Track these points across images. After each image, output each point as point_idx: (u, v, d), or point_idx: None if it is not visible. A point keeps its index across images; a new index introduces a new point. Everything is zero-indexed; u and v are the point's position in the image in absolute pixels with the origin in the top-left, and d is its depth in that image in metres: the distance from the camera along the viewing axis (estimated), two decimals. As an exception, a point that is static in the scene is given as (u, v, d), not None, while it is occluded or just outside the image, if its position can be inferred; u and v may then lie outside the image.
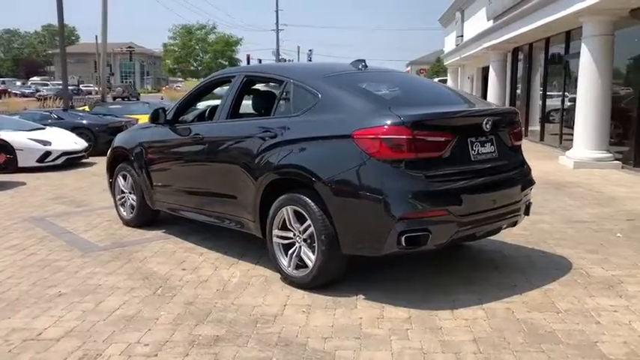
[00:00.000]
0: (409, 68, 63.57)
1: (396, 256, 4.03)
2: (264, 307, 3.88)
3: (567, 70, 13.59)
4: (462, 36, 25.56)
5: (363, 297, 4.01)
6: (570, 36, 13.14)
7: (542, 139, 15.17)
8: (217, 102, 6.67)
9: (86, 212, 7.00)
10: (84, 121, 13.83)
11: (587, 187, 8.40)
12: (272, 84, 5.40)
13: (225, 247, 5.25)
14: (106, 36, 24.66)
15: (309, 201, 4.03)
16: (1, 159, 10.50)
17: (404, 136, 3.73)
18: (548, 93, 15.28)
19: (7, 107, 24.34)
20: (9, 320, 3.68)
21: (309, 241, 4.12)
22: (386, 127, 3.75)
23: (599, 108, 10.38)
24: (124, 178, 6.16)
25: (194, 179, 5.25)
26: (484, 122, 4.09)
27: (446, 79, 32.47)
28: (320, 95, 4.24)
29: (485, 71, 22.23)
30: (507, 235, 5.26)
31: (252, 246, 5.12)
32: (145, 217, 6.10)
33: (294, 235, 4.22)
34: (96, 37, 41.26)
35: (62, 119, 13.80)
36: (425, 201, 3.76)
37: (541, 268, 4.63)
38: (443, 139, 3.88)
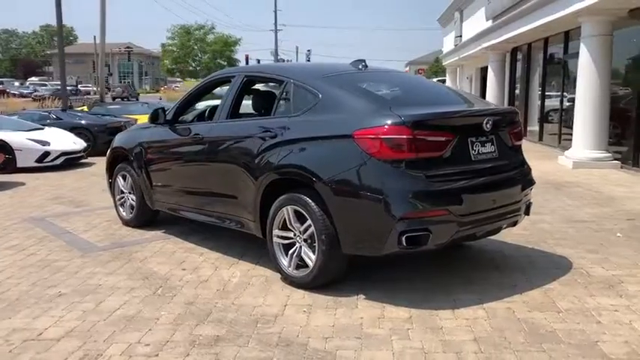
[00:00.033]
0: (408, 68, 63.60)
1: (396, 255, 4.03)
2: (265, 307, 3.87)
3: (566, 70, 13.60)
4: (461, 36, 25.58)
5: (364, 297, 4.01)
6: (569, 36, 13.16)
7: (540, 139, 15.18)
8: (216, 102, 6.69)
9: (85, 212, 6.99)
10: (83, 122, 13.82)
11: (587, 187, 8.41)
12: (272, 84, 5.40)
13: (225, 247, 5.24)
14: (105, 36, 24.65)
15: (310, 201, 4.02)
16: (0, 159, 10.47)
17: (404, 136, 3.72)
18: (547, 93, 15.29)
19: (5, 107, 24.35)
20: (9, 320, 3.67)
21: (309, 241, 4.12)
22: (386, 127, 3.75)
23: (598, 108, 10.39)
24: (124, 178, 6.16)
25: (194, 179, 5.25)
26: (484, 122, 4.09)
27: (444, 79, 32.50)
28: (320, 95, 4.24)
29: (483, 71, 22.24)
30: (507, 235, 5.26)
31: (252, 246, 5.12)
32: (145, 218, 6.09)
33: (295, 235, 4.22)
34: (94, 37, 41.24)
35: (61, 119, 13.79)
36: (425, 201, 3.76)
37: (541, 268, 4.63)
38: (443, 138, 3.88)
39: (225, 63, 69.86)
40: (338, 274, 4.16)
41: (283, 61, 53.35)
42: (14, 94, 43.76)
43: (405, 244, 3.71)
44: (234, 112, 5.03)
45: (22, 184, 9.22)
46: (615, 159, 10.44)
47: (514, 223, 4.48)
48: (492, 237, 4.78)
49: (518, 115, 4.71)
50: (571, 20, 11.08)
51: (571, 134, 11.37)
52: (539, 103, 15.70)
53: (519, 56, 17.96)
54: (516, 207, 4.34)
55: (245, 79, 5.05)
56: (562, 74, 13.84)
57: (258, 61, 46.53)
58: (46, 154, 10.87)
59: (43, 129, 12.02)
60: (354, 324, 3.58)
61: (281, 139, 4.30)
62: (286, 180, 4.27)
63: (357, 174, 3.82)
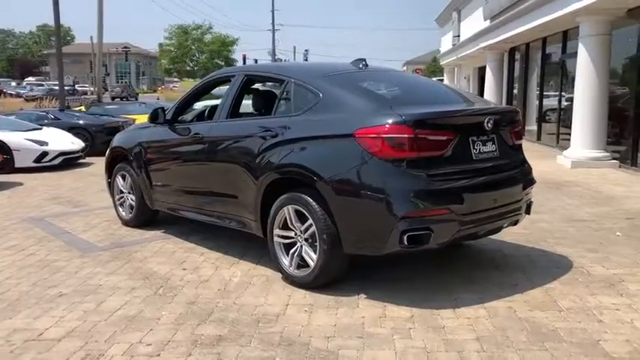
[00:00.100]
0: (405, 68, 63.60)
1: (397, 255, 4.02)
2: (266, 306, 3.87)
3: (564, 69, 13.63)
4: (459, 36, 25.59)
5: (365, 296, 4.01)
6: (567, 36, 13.18)
7: (539, 138, 15.21)
8: (215, 102, 6.68)
9: (84, 212, 6.97)
10: (80, 122, 13.80)
11: (586, 186, 8.43)
12: (272, 83, 5.39)
13: (225, 247, 5.23)
14: (102, 36, 24.62)
15: (311, 200, 4.02)
16: (-2, 159, 10.45)
17: (405, 135, 3.72)
18: (545, 93, 15.32)
19: (2, 107, 24.25)
20: (10, 321, 3.66)
21: (310, 240, 4.11)
22: (387, 126, 3.75)
23: (596, 107, 10.41)
24: (123, 178, 6.15)
25: (194, 179, 5.24)
26: (485, 121, 4.09)
27: (442, 79, 32.51)
28: (321, 94, 4.23)
29: (481, 71, 22.26)
30: (507, 234, 5.26)
31: (252, 246, 5.11)
32: (144, 217, 6.08)
33: (296, 234, 4.22)
34: (91, 37, 41.10)
35: (59, 119, 13.76)
36: (427, 200, 3.75)
37: (542, 267, 4.63)
38: (444, 138, 3.88)
39: (223, 63, 69.76)
40: (339, 274, 4.16)
41: (281, 60, 53.35)
42: (11, 94, 43.63)
43: (406, 243, 3.71)
44: (234, 112, 5.02)
45: (20, 184, 9.20)
46: (614, 158, 10.45)
47: (515, 222, 4.48)
48: (492, 236, 4.78)
49: (519, 114, 4.71)
50: (569, 20, 11.10)
51: (569, 134, 11.39)
52: (537, 102, 15.73)
53: (517, 56, 17.98)
54: (517, 206, 4.34)
55: (245, 78, 5.05)
56: (560, 74, 13.86)
57: (256, 60, 46.48)
58: (44, 154, 10.85)
59: (41, 129, 12.00)
60: (356, 323, 3.58)
61: (282, 138, 4.29)
62: (287, 179, 4.26)
63: (358, 173, 3.82)
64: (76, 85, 55.81)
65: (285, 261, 4.29)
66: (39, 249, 5.33)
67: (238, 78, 5.05)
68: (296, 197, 4.15)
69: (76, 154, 11.55)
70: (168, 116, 5.53)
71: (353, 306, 3.85)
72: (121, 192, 6.22)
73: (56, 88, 44.09)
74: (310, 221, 4.05)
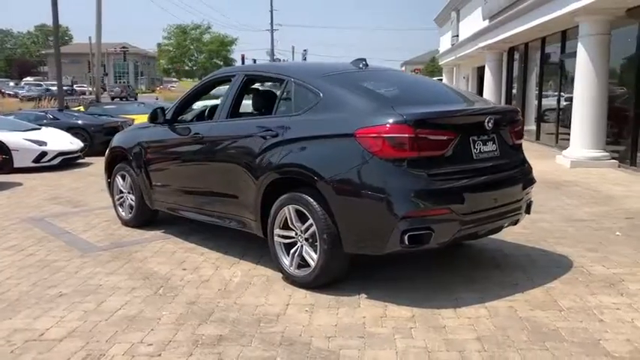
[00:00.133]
0: (404, 68, 63.67)
1: (398, 254, 4.02)
2: (267, 306, 3.87)
3: (563, 69, 13.64)
4: (458, 36, 25.59)
5: (366, 296, 4.00)
6: (566, 35, 13.19)
7: (538, 138, 15.22)
8: (213, 102, 6.67)
9: (84, 212, 6.96)
10: (79, 122, 13.79)
11: (585, 186, 8.43)
12: (272, 83, 5.39)
13: (225, 247, 5.23)
14: (100, 36, 24.59)
15: (311, 200, 4.02)
16: (-3, 160, 10.44)
17: (406, 135, 3.72)
18: (544, 92, 15.33)
19: (1, 108, 24.22)
20: (10, 321, 3.66)
21: (311, 240, 4.11)
22: (388, 125, 3.75)
23: (595, 107, 10.42)
24: (123, 178, 6.14)
25: (194, 179, 5.23)
26: (486, 121, 4.09)
27: (441, 79, 32.53)
28: (322, 94, 4.23)
29: (480, 71, 22.28)
30: (507, 234, 5.26)
31: (252, 245, 5.11)
32: (144, 217, 6.08)
33: (296, 234, 4.21)
34: (89, 37, 41.05)
35: (57, 119, 13.75)
36: (427, 199, 3.75)
37: (542, 267, 4.63)
38: (445, 137, 3.87)
39: (222, 63, 69.78)
40: (340, 274, 4.16)
41: (279, 60, 53.36)
42: (9, 94, 43.56)
43: (407, 242, 3.71)
44: (234, 112, 5.02)
45: (20, 184, 9.18)
46: (613, 158, 10.46)
47: (515, 222, 4.48)
48: (493, 235, 4.77)
49: (519, 114, 4.72)
50: (568, 20, 11.11)
51: (568, 134, 11.40)
52: (536, 102, 15.74)
53: (516, 56, 17.99)
54: (517, 206, 4.34)
55: (245, 78, 5.04)
56: (559, 74, 13.87)
57: (254, 60, 46.48)
58: (43, 154, 10.84)
59: (39, 129, 11.98)
60: (357, 323, 3.58)
61: (282, 138, 4.29)
62: (287, 179, 4.26)
63: (359, 173, 3.82)
64: (75, 85, 55.76)
65: (285, 261, 4.29)
66: (39, 249, 5.32)
67: (238, 78, 5.04)
68: (296, 197, 4.15)
69: (75, 154, 11.54)
70: (168, 116, 5.53)
71: (354, 306, 3.85)
72: (121, 192, 6.22)
73: (52, 88, 44.17)
74: (311, 221, 4.05)
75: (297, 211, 4.16)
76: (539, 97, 15.46)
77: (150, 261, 4.92)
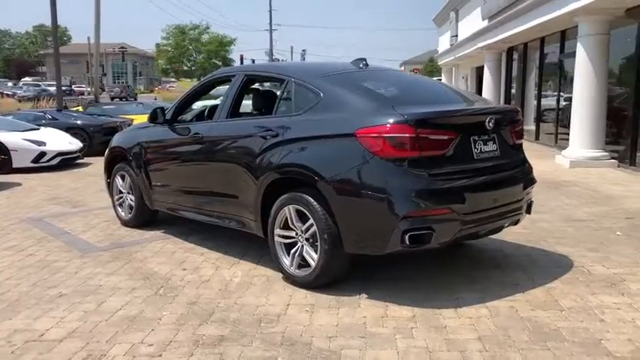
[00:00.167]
0: (402, 68, 63.67)
1: (398, 254, 4.02)
2: (268, 306, 3.86)
3: (562, 69, 13.64)
4: (457, 36, 25.61)
5: (366, 296, 4.00)
6: (565, 35, 13.20)
7: (537, 138, 15.23)
8: (212, 102, 6.66)
9: (83, 213, 6.95)
10: (78, 122, 13.78)
11: (584, 185, 8.43)
12: (272, 83, 5.38)
13: (225, 247, 5.22)
14: (99, 36, 24.56)
15: (312, 200, 4.01)
16: (-4, 160, 10.42)
17: (407, 135, 3.72)
18: (543, 92, 15.33)
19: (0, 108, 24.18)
20: (10, 321, 3.65)
21: (311, 240, 4.10)
22: (389, 125, 3.74)
23: (594, 107, 10.42)
24: (122, 178, 6.13)
25: (194, 179, 5.22)
26: (487, 120, 4.09)
27: (440, 79, 32.54)
28: (322, 94, 4.22)
29: (479, 71, 22.29)
30: (507, 234, 5.26)
31: (252, 246, 5.10)
32: (144, 218, 6.07)
33: (297, 234, 4.21)
34: (88, 37, 41.05)
35: (56, 120, 13.74)
36: (428, 199, 3.75)
37: (542, 267, 4.63)
38: (446, 137, 3.87)
39: (220, 63, 69.74)
40: (340, 274, 4.15)
41: (278, 60, 53.34)
42: (7, 95, 43.49)
43: (408, 242, 3.71)
44: (234, 112, 5.01)
45: (19, 184, 9.17)
46: (612, 158, 10.47)
47: (516, 222, 4.47)
48: (493, 235, 4.77)
49: (520, 114, 4.72)
50: (567, 20, 11.11)
51: (567, 133, 11.40)
52: (535, 102, 15.75)
53: (515, 56, 18.00)
54: (518, 205, 4.34)
55: (245, 78, 5.03)
56: (558, 74, 13.88)
57: (253, 61, 46.52)
58: (42, 154, 10.82)
59: (38, 129, 11.97)
60: (358, 323, 3.57)
61: (282, 138, 4.28)
62: (288, 179, 4.25)
63: (359, 173, 3.81)
64: (73, 86, 55.68)
65: (286, 261, 4.28)
66: (38, 249, 5.31)
67: (238, 78, 5.03)
68: (297, 197, 4.14)
69: (74, 155, 11.52)
70: (168, 116, 5.52)
71: (354, 306, 3.85)
72: (120, 192, 6.20)
73: (49, 88, 44.15)
74: (311, 221, 4.04)
75: (298, 211, 4.15)
76: (539, 97, 15.47)
77: (150, 261, 4.91)
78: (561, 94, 13.71)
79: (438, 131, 3.85)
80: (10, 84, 59.48)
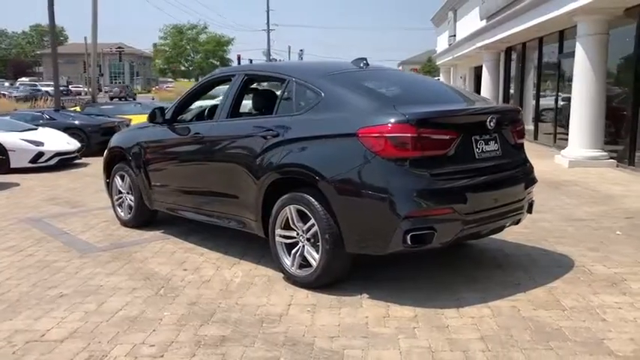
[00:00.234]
0: (401, 68, 63.68)
1: (399, 254, 4.01)
2: (269, 306, 3.85)
3: (560, 69, 13.66)
4: (455, 35, 25.64)
5: (368, 296, 3.99)
6: (564, 35, 13.21)
7: (536, 138, 15.24)
8: (210, 102, 6.64)
9: (82, 213, 6.93)
10: (76, 122, 13.75)
11: (584, 185, 8.44)
12: (273, 83, 5.37)
13: (225, 247, 5.21)
14: (96, 36, 24.52)
15: (313, 200, 4.00)
16: (-6, 160, 10.39)
17: (409, 134, 3.71)
18: (541, 92, 15.35)
19: (-4, 108, 24.11)
20: (11, 322, 3.63)
21: (312, 240, 4.09)
22: (390, 125, 3.74)
23: (593, 107, 10.43)
24: (122, 178, 6.11)
25: (194, 179, 5.21)
26: (488, 120, 4.08)
27: (438, 79, 32.56)
28: (323, 94, 4.21)
29: (477, 71, 22.31)
30: (508, 233, 5.25)
31: (253, 246, 5.09)
32: (143, 218, 6.05)
33: (298, 234, 4.20)
34: (85, 37, 41.00)
35: (54, 120, 13.71)
36: (430, 199, 3.74)
37: (543, 266, 4.63)
38: (448, 137, 3.87)
39: (218, 63, 69.74)
40: (341, 274, 4.14)
41: (276, 60, 53.31)
42: (4, 95, 43.38)
43: (409, 242, 3.70)
44: (234, 111, 5.00)
45: (17, 184, 9.14)
46: (611, 158, 10.48)
47: (517, 222, 4.47)
48: (493, 235, 4.76)
49: (521, 113, 4.72)
50: (566, 20, 11.13)
51: (566, 133, 11.41)
52: (533, 102, 15.76)
53: (514, 56, 18.02)
54: (519, 205, 4.33)
55: (245, 77, 5.02)
56: (557, 73, 13.89)
57: (251, 60, 46.45)
58: (40, 154, 10.78)
59: (36, 129, 11.94)
60: (360, 323, 3.56)
61: (283, 138, 4.27)
62: (289, 179, 4.24)
63: (361, 173, 3.80)
64: (70, 86, 55.58)
65: (287, 261, 4.27)
66: (38, 250, 5.29)
67: (239, 78, 5.02)
68: (298, 197, 4.13)
69: (72, 155, 11.49)
70: (168, 116, 5.50)
71: (356, 306, 3.84)
72: (120, 192, 6.18)
73: (42, 89, 44.06)
74: (312, 221, 4.03)
75: (299, 211, 4.14)
76: (537, 97, 15.48)
77: (150, 261, 4.89)
78: (560, 94, 13.73)
79: (439, 131, 3.84)
80: (6, 84, 59.33)
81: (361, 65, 4.79)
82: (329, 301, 3.92)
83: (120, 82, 68.58)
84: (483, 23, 18.32)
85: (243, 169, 4.55)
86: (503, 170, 4.26)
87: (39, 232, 5.99)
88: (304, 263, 4.17)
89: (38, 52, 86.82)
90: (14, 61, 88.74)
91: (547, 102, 14.90)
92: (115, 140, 6.41)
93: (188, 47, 73.45)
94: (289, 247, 4.27)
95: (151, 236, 5.74)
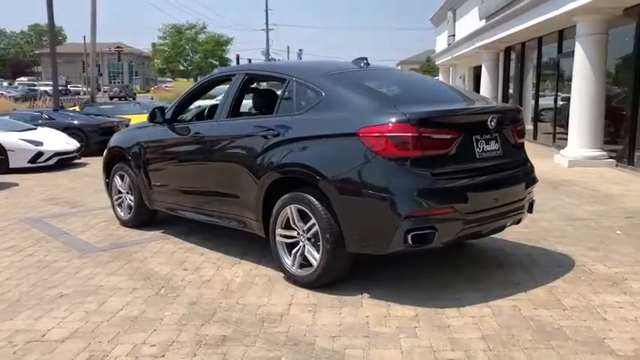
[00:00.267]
0: (399, 68, 63.72)
1: (400, 254, 4.00)
2: (270, 306, 3.85)
3: (560, 69, 13.66)
4: (454, 35, 25.64)
5: (369, 295, 3.99)
6: (563, 35, 13.21)
7: (535, 137, 15.24)
8: (209, 102, 6.62)
9: (82, 213, 6.92)
10: (75, 122, 13.73)
11: (583, 185, 8.45)
12: (273, 82, 5.37)
13: (225, 247, 5.21)
14: (95, 36, 24.49)
15: (314, 200, 4.00)
16: (-7, 160, 10.38)
17: (410, 134, 3.71)
18: (540, 92, 15.35)
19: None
20: (11, 322, 3.63)
21: (313, 240, 4.09)
22: (391, 124, 3.73)
23: (593, 107, 10.43)
24: (122, 178, 6.10)
25: (194, 178, 5.20)
26: (489, 120, 4.08)
27: (437, 79, 32.56)
28: (324, 93, 4.21)
29: (477, 70, 22.32)
30: (508, 233, 5.25)
31: (253, 245, 5.09)
32: (143, 218, 6.04)
33: (298, 234, 4.19)
34: (84, 37, 41.02)
35: (53, 119, 13.69)
36: (431, 199, 3.74)
37: (543, 266, 4.63)
38: (448, 136, 3.86)
39: (217, 63, 69.73)
40: (342, 273, 4.14)
41: (274, 60, 53.30)
42: (2, 94, 43.32)
43: (410, 242, 3.70)
44: (235, 111, 4.99)
45: (16, 184, 9.12)
46: (610, 157, 10.49)
47: (518, 221, 4.47)
48: (493, 235, 4.76)
49: (521, 113, 4.72)
50: (565, 19, 11.13)
51: (565, 133, 11.41)
52: (533, 102, 15.77)
53: (513, 55, 18.02)
54: (520, 205, 4.33)
55: (246, 77, 5.01)
56: (556, 73, 13.90)
57: (249, 60, 46.44)
58: (39, 154, 10.77)
59: (35, 129, 11.92)
60: (361, 323, 3.56)
61: (284, 137, 4.27)
62: (289, 179, 4.24)
63: (362, 172, 3.80)
64: (69, 85, 55.52)
65: (287, 261, 4.27)
66: (37, 250, 5.29)
67: (239, 77, 5.01)
68: (298, 197, 4.13)
69: (71, 155, 11.47)
70: (168, 116, 5.49)
71: (357, 305, 3.84)
72: (119, 192, 6.17)
73: (40, 88, 44.01)
74: (313, 221, 4.03)
75: (300, 211, 4.14)
76: (536, 97, 15.48)
77: (150, 261, 4.89)
78: (559, 93, 13.73)
79: (440, 130, 3.84)
80: (5, 84, 59.24)
81: (362, 65, 4.79)
82: (330, 300, 3.92)
83: (119, 82, 68.55)
84: (482, 23, 18.32)
85: (243, 168, 4.54)
86: (503, 170, 4.26)
87: (38, 232, 5.98)
88: (305, 263, 4.17)
89: (37, 52, 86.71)
90: (13, 61, 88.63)
91: (546, 102, 14.90)
92: (114, 140, 6.40)
93: (187, 47, 73.43)
94: (290, 247, 4.27)
95: (150, 236, 5.73)
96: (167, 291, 4.16)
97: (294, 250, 4.23)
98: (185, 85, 43.47)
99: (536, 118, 15.44)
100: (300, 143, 4.17)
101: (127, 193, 6.06)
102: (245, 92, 5.24)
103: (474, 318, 3.61)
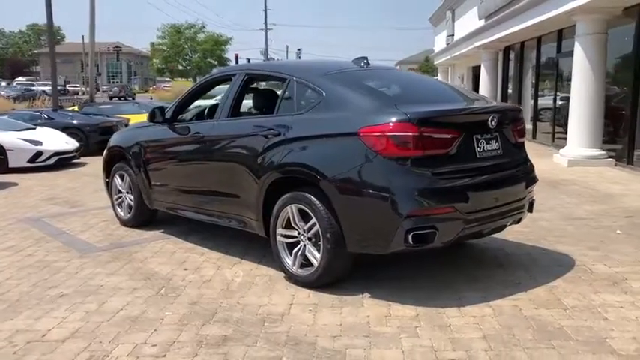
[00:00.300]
0: (398, 67, 63.71)
1: (401, 253, 4.00)
2: (270, 306, 3.84)
3: (559, 68, 13.67)
4: (453, 35, 25.64)
5: (369, 295, 3.99)
6: (562, 35, 13.22)
7: (534, 137, 15.25)
8: (208, 102, 6.61)
9: (81, 213, 6.91)
10: (74, 121, 13.72)
11: (583, 184, 8.45)
12: (273, 82, 5.36)
13: (226, 247, 5.20)
14: (94, 36, 24.46)
15: (314, 199, 4.00)
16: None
17: (410, 134, 3.71)
18: (539, 92, 15.36)
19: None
20: (12, 322, 3.62)
21: (313, 239, 4.09)
22: (392, 124, 3.73)
23: (592, 106, 10.44)
24: (121, 177, 6.09)
25: (194, 178, 5.20)
26: (489, 119, 4.08)
27: (437, 79, 32.56)
28: (324, 93, 4.21)
29: (476, 70, 22.31)
30: (508, 233, 5.25)
31: (253, 245, 5.08)
32: (143, 217, 6.04)
33: (299, 233, 4.19)
34: (82, 37, 40.91)
35: (52, 119, 13.69)
36: (431, 198, 3.74)
37: (544, 266, 4.63)
38: (449, 136, 3.86)
39: (216, 62, 69.66)
40: (343, 273, 4.14)
41: (273, 60, 53.24)
42: (0, 94, 43.25)
43: (411, 242, 3.70)
44: (235, 111, 4.98)
45: (15, 184, 9.12)
46: (610, 157, 10.49)
47: (518, 221, 4.47)
48: (493, 234, 4.76)
49: (522, 113, 4.72)
50: (564, 19, 11.13)
51: (564, 133, 11.42)
52: (532, 101, 15.77)
53: (512, 55, 18.03)
54: (520, 204, 4.34)
55: (246, 77, 5.00)
56: (555, 73, 13.91)
57: (248, 60, 46.37)
58: (39, 154, 10.76)
59: (35, 129, 11.91)
60: (361, 322, 3.56)
61: (284, 137, 4.27)
62: (290, 179, 4.24)
63: (362, 172, 3.80)
64: (67, 85, 55.43)
65: (288, 260, 4.27)
66: (37, 249, 5.28)
67: (239, 77, 5.00)
68: (299, 196, 4.13)
69: (71, 154, 11.46)
70: (168, 115, 5.49)
71: (357, 305, 3.83)
72: (119, 192, 6.17)
73: (33, 88, 43.93)
74: (314, 220, 4.03)
75: (300, 211, 4.14)
76: (535, 97, 15.49)
77: (150, 261, 4.88)
78: (558, 93, 13.74)
79: (441, 130, 3.84)
80: (3, 83, 59.14)
81: (362, 64, 4.78)
82: (330, 300, 3.92)
83: (117, 82, 68.46)
84: (482, 23, 18.32)
85: (243, 168, 4.54)
86: (504, 169, 4.26)
87: (38, 231, 5.98)
88: (305, 262, 4.16)
89: (35, 52, 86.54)
90: (11, 61, 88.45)
91: (545, 101, 14.91)
92: (114, 140, 6.39)
93: (186, 47, 73.22)
94: (290, 247, 4.27)
95: (150, 236, 5.73)
96: (167, 291, 4.16)
97: (294, 250, 4.23)
98: (184, 85, 43.42)
99: (536, 118, 15.45)
100: (301, 143, 4.17)
101: (127, 192, 6.05)
102: (245, 92, 5.23)
103: (475, 317, 3.61)
